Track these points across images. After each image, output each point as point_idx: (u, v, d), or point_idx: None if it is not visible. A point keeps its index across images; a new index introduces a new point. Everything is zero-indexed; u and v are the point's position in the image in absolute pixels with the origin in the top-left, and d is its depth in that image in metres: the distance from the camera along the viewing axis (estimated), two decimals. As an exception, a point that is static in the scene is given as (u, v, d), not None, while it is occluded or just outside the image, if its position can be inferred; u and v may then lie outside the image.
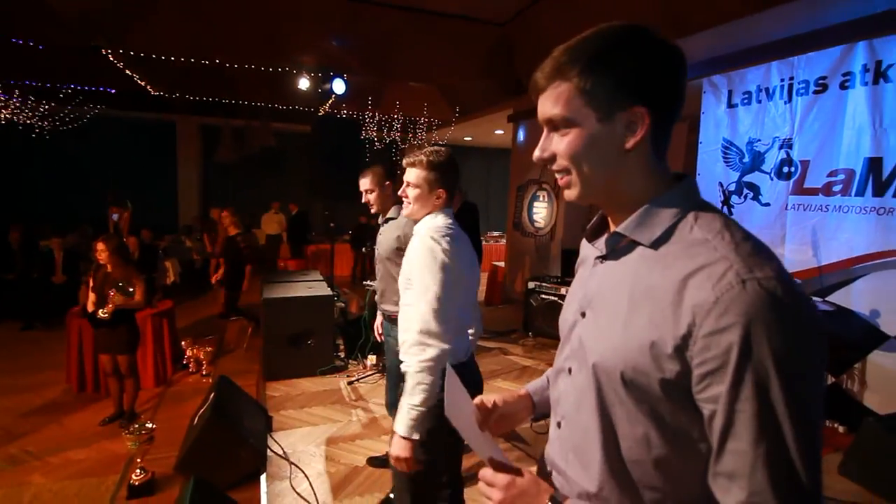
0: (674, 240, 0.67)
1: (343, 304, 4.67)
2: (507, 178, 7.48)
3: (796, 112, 3.52)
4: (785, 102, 3.60)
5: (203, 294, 7.38)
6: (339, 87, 5.61)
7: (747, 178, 3.91)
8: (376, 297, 2.52)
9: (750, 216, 3.83)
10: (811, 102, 3.43)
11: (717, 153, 4.17)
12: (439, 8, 5.33)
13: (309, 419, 3.29)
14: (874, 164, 3.08)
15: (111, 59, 5.50)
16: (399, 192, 1.66)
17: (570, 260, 5.99)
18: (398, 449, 1.40)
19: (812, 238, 3.48)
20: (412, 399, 1.40)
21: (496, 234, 11.12)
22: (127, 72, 5.99)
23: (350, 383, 3.88)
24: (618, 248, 0.73)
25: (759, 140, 3.81)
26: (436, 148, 1.62)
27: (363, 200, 2.52)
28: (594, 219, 0.83)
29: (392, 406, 2.46)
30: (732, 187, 4.04)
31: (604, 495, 0.71)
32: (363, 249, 8.09)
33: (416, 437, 1.39)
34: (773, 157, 3.71)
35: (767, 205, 3.78)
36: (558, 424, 0.81)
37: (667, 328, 0.61)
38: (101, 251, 3.37)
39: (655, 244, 0.67)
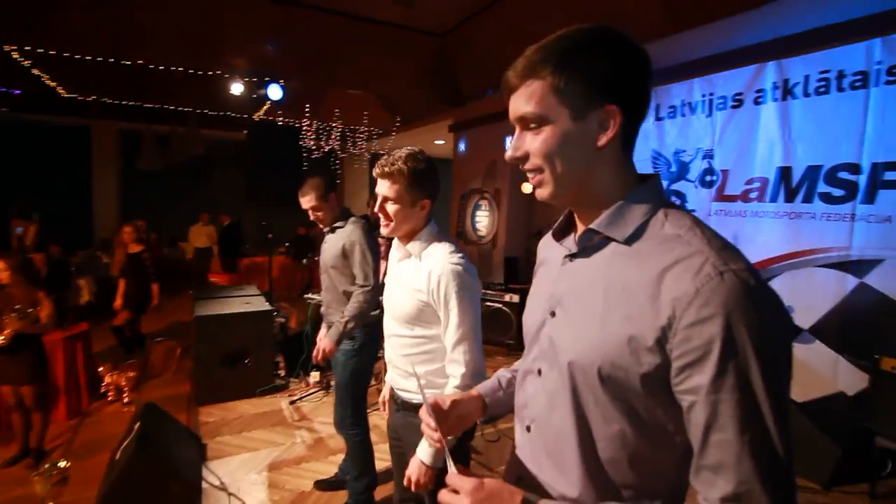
0: (646, 236, 0.68)
1: (283, 319, 4.45)
2: (445, 188, 7.51)
3: (716, 125, 3.80)
4: (706, 116, 3.87)
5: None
6: (275, 92, 5.41)
7: (675, 187, 4.16)
8: (322, 309, 2.41)
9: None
10: (729, 116, 3.71)
11: (647, 163, 4.41)
12: (379, 16, 5.29)
13: (248, 444, 3.07)
14: (785, 173, 3.37)
15: (16, 56, 4.96)
16: (376, 210, 1.43)
17: (512, 267, 6.09)
18: (420, 475, 1.28)
19: (733, 242, 3.74)
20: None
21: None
22: (34, 71, 5.43)
23: (292, 402, 3.68)
24: (589, 246, 0.73)
25: (685, 151, 4.07)
26: (409, 151, 1.40)
27: (311, 217, 2.39)
28: (560, 218, 0.83)
29: (341, 424, 2.35)
30: (662, 195, 4.28)
31: (582, 498, 0.70)
32: (303, 261, 7.82)
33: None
34: (697, 167, 3.97)
35: (693, 211, 4.03)
36: (527, 428, 0.80)
37: (646, 321, 0.62)
38: (1, 270, 2.99)
39: (629, 240, 0.68)
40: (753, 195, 3.58)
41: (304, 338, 4.05)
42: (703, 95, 3.89)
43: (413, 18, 5.43)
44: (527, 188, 6.80)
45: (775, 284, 3.46)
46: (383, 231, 1.44)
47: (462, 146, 7.04)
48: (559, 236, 0.82)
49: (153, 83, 6.23)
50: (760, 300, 0.58)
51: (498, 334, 5.01)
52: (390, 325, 1.51)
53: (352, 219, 2.34)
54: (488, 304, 5.05)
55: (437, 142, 9.63)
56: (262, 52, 5.26)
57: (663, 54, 4.00)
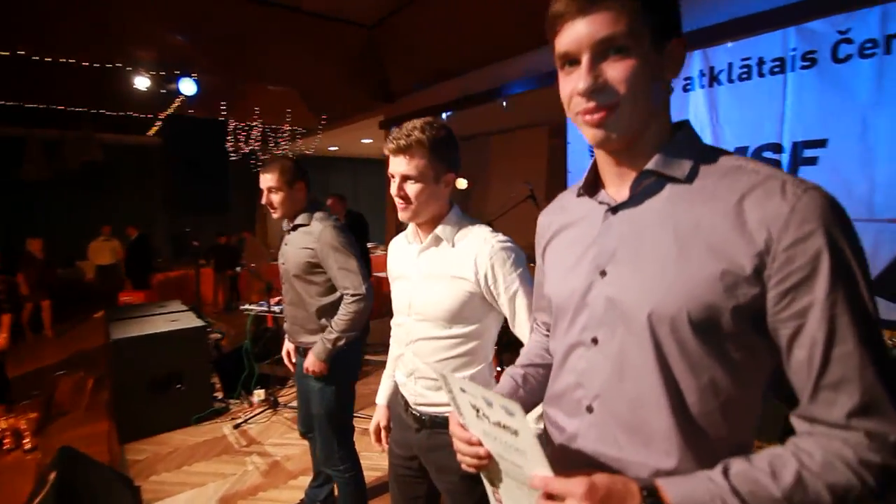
0: (704, 173, 0.66)
1: (220, 335, 4.02)
2: (375, 189, 7.31)
3: (649, 112, 3.96)
4: (639, 104, 4.02)
5: (24, 344, 5.82)
6: (187, 87, 4.90)
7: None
8: (285, 325, 2.09)
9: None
10: (661, 104, 3.88)
11: (585, 152, 4.51)
12: (305, 5, 4.98)
13: (192, 479, 2.70)
14: (715, 156, 3.58)
15: None
16: (394, 193, 1.21)
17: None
18: None
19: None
20: None
21: (370, 244, 10.87)
22: None
23: (237, 427, 3.32)
24: (642, 191, 0.70)
25: (621, 138, 4.21)
26: (425, 120, 1.20)
27: (263, 201, 1.99)
28: (585, 174, 0.77)
29: (304, 423, 2.13)
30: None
31: (682, 467, 0.62)
32: (228, 273, 7.23)
33: None
34: (633, 154, 4.12)
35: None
36: (588, 409, 0.71)
37: (736, 252, 0.60)
38: None
39: (689, 178, 0.67)
40: (687, 178, 3.77)
41: (243, 354, 3.68)
42: (635, 84, 4.04)
43: (340, 9, 5.18)
44: (461, 184, 6.78)
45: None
46: (402, 216, 1.23)
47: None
48: (590, 192, 0.77)
49: (36, 79, 5.40)
50: (844, 213, 0.58)
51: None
52: (414, 330, 1.29)
53: (318, 215, 1.99)
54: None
55: (363, 140, 9.36)
56: (172, 42, 4.74)
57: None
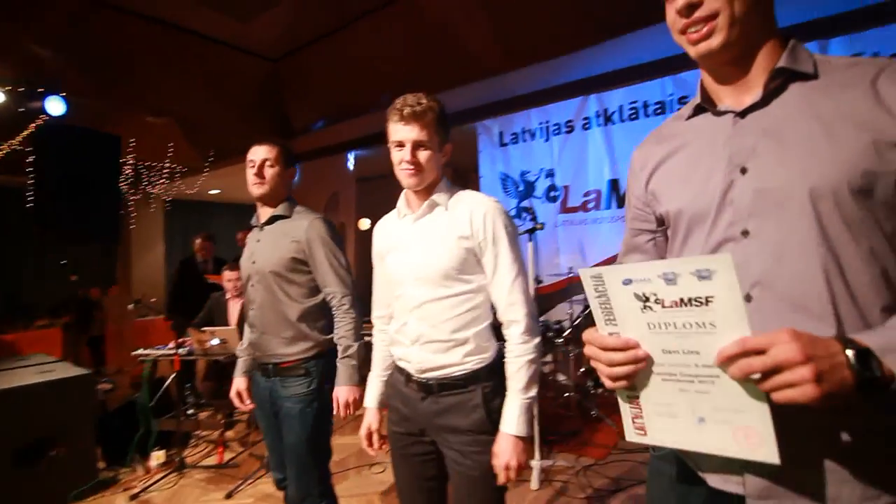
0: (823, 70, 0.72)
1: (110, 386, 3.32)
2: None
3: (554, 148, 4.39)
4: (545, 141, 4.45)
5: None
6: (55, 107, 4.22)
7: (524, 204, 4.61)
8: (249, 337, 1.80)
9: (528, 236, 4.49)
10: (564, 140, 4.33)
11: (496, 184, 4.80)
12: (204, 30, 4.69)
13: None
14: (614, 184, 4.06)
15: None
16: (405, 159, 1.24)
17: (366, 301, 5.79)
18: (519, 453, 1.17)
19: (580, 247, 4.30)
20: (529, 391, 1.22)
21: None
22: None
23: (135, 497, 2.69)
24: (768, 93, 0.73)
25: (529, 171, 4.57)
26: (426, 93, 1.26)
27: (253, 173, 1.76)
28: (697, 93, 0.83)
29: (282, 467, 1.77)
30: (513, 213, 4.68)
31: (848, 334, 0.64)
32: (89, 334, 6.04)
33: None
34: (542, 185, 4.49)
35: (543, 224, 4.52)
36: (748, 298, 0.72)
37: (882, 123, 0.65)
38: None
39: (816, 74, 0.72)
40: (591, 205, 4.20)
41: (136, 409, 3.07)
42: (540, 123, 4.47)
43: (244, 38, 4.97)
44: (364, 224, 6.69)
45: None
46: (410, 182, 1.28)
47: (297, 178, 6.58)
48: (708, 107, 0.81)
49: None
50: None
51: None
52: (417, 295, 1.29)
53: (299, 208, 1.81)
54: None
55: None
56: (37, 56, 4.09)
57: (503, 88, 4.48)
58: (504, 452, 1.18)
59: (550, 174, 4.44)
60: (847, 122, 0.67)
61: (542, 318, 4.14)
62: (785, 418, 0.61)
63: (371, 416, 1.43)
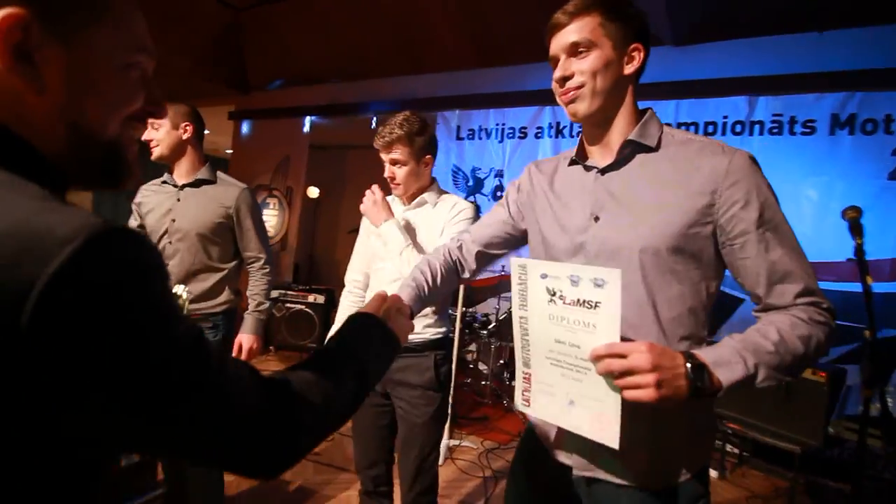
0: (665, 143, 0.92)
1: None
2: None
3: (506, 150, 4.59)
4: (499, 142, 4.63)
5: None
6: None
7: (470, 199, 4.79)
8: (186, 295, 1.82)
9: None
10: (516, 144, 4.53)
11: (447, 176, 4.94)
12: (166, -36, 4.42)
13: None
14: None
15: None
16: (386, 176, 1.59)
17: (303, 271, 5.80)
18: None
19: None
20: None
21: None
22: None
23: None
24: (623, 157, 0.93)
25: (480, 168, 4.75)
26: (403, 116, 1.56)
27: (143, 136, 1.78)
28: (576, 149, 1.01)
29: None
30: (459, 205, 4.86)
31: None
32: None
33: None
34: (490, 183, 4.68)
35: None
36: None
37: (696, 192, 0.85)
38: None
39: (657, 147, 0.92)
40: (532, 210, 4.44)
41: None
42: (497, 124, 4.65)
43: (207, -20, 4.73)
44: (313, 192, 6.62)
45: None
46: (396, 193, 1.64)
47: (245, 138, 6.39)
48: (579, 160, 0.99)
49: None
50: (758, 166, 0.87)
51: (299, 338, 4.69)
52: (394, 271, 1.54)
53: (221, 174, 1.91)
54: (289, 305, 4.70)
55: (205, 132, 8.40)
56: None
57: (468, 83, 4.61)
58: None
59: (500, 174, 4.63)
60: (671, 193, 0.87)
61: (471, 310, 4.36)
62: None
63: None
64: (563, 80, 0.90)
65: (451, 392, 2.76)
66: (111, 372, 0.39)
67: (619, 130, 0.92)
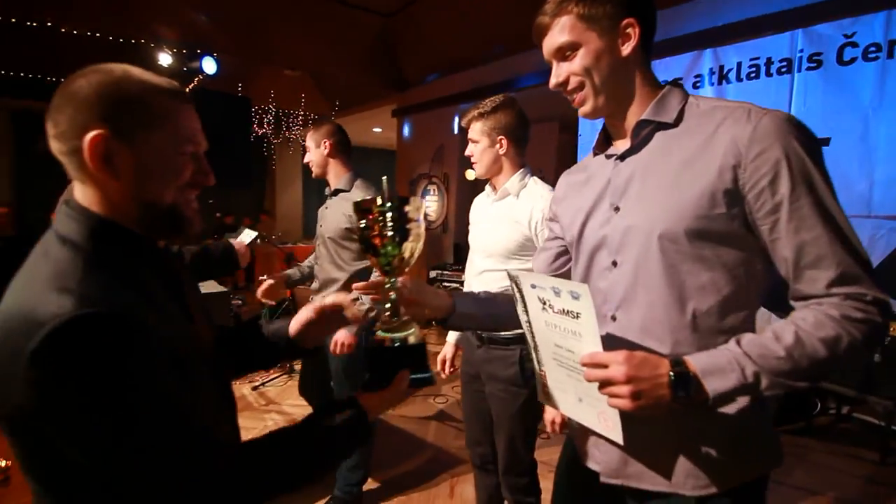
0: (688, 115, 0.82)
1: (239, 302, 4.17)
2: (384, 177, 7.40)
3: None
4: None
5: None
6: (209, 66, 5.02)
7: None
8: (315, 284, 2.20)
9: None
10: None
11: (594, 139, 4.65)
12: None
13: (213, 433, 2.85)
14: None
15: None
16: (467, 154, 1.65)
17: (462, 251, 6.16)
18: None
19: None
20: None
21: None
22: None
23: (255, 388, 3.48)
24: (640, 139, 0.84)
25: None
26: (491, 100, 1.59)
27: (305, 160, 2.16)
28: (598, 137, 0.94)
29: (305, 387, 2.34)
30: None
31: (690, 354, 0.75)
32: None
33: None
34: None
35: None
36: (612, 318, 0.86)
37: (717, 168, 0.74)
38: None
39: (676, 122, 0.82)
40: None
41: (262, 319, 3.83)
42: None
43: (360, -5, 5.29)
44: (470, 175, 6.90)
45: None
46: (476, 173, 1.66)
47: (406, 131, 6.99)
48: (601, 150, 0.94)
49: (58, 52, 5.51)
50: (801, 127, 0.73)
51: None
52: (479, 264, 1.64)
53: (358, 182, 2.10)
54: (445, 284, 5.08)
55: (374, 129, 9.48)
56: (194, 21, 4.85)
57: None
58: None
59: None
60: (691, 171, 0.77)
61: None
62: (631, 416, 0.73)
63: (448, 349, 1.82)
64: (560, 85, 0.86)
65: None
66: (65, 419, 0.55)
67: (635, 112, 0.85)
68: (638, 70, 0.84)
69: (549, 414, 1.57)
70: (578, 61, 0.82)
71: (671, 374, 0.69)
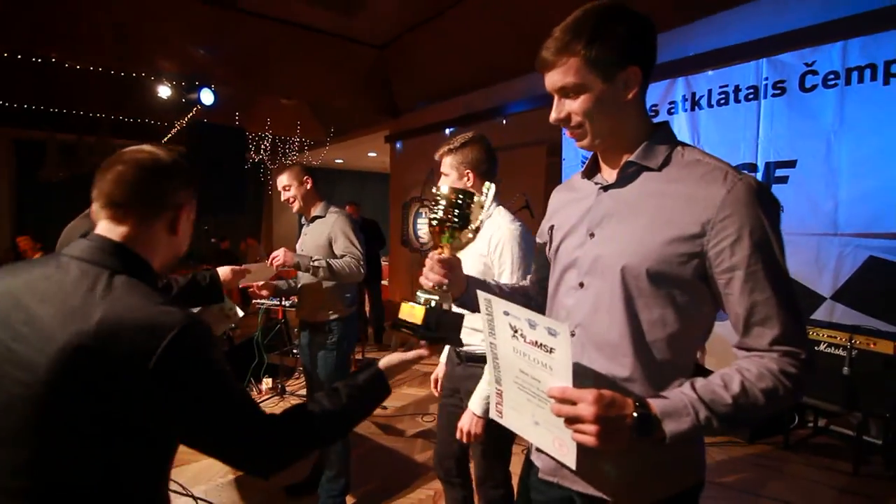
0: (673, 163, 0.87)
1: (233, 326, 4.24)
2: (378, 200, 7.59)
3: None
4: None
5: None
6: (207, 97, 5.21)
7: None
8: (298, 304, 2.38)
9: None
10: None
11: (577, 166, 4.82)
12: (318, 24, 5.32)
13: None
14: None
15: None
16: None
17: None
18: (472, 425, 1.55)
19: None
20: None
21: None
22: None
23: (245, 410, 3.53)
24: (625, 176, 0.89)
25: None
26: (460, 137, 1.68)
27: (283, 199, 2.38)
28: (587, 162, 0.98)
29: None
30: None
31: (633, 376, 0.84)
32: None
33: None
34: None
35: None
36: (572, 333, 0.91)
37: (687, 221, 0.80)
38: None
39: (661, 167, 0.87)
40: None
41: (254, 344, 3.91)
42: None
43: (352, 29, 5.52)
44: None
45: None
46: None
47: (399, 156, 7.18)
48: (589, 175, 0.98)
49: (60, 84, 5.72)
50: (767, 197, 0.80)
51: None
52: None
53: (332, 209, 2.36)
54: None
55: (369, 154, 9.70)
56: (192, 55, 5.07)
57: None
58: (463, 422, 1.56)
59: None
60: (663, 217, 0.83)
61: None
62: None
63: (440, 369, 1.90)
64: (561, 121, 0.88)
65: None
66: (188, 395, 0.75)
67: (626, 149, 0.89)
68: (635, 111, 0.88)
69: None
70: (580, 104, 0.84)
71: (635, 414, 0.75)
